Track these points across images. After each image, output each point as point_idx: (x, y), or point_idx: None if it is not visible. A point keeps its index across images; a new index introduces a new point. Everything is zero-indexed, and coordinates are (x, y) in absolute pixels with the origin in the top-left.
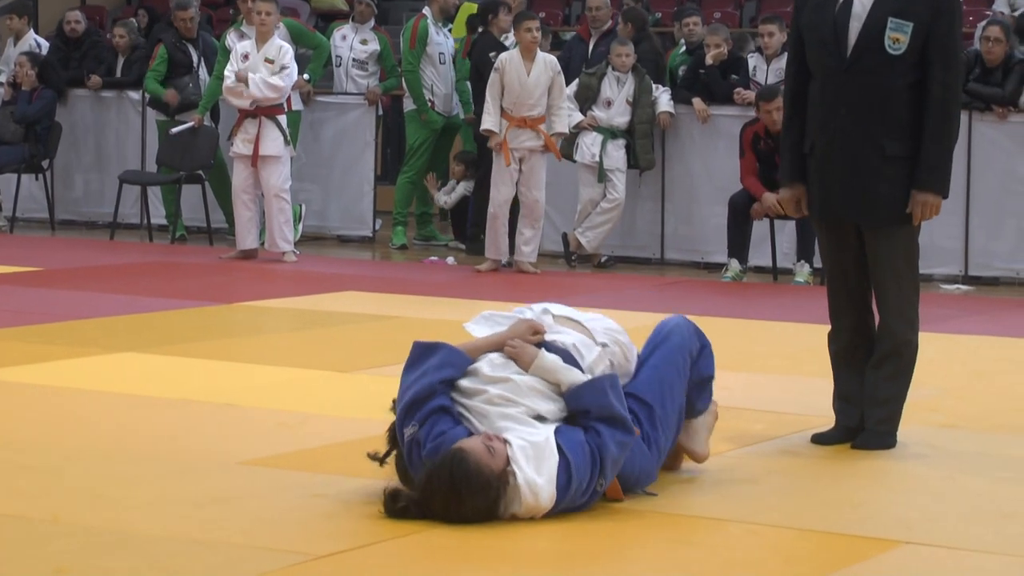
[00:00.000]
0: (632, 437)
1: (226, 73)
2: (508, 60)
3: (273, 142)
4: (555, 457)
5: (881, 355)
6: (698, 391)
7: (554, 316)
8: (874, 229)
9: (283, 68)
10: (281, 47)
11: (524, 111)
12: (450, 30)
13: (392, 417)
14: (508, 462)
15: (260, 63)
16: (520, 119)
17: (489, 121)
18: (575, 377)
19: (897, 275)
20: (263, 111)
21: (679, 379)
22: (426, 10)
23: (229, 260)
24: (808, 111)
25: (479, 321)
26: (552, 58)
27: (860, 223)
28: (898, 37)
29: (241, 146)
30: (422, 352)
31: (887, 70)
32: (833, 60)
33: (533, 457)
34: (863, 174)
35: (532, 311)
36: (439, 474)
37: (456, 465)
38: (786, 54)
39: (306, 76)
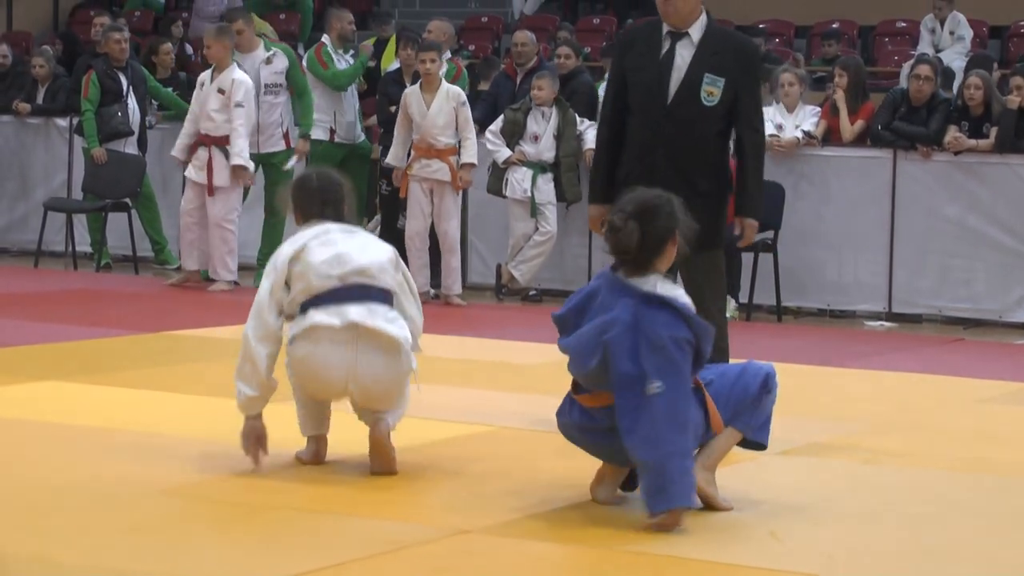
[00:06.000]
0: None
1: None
2: (409, 93)
3: (221, 172)
4: None
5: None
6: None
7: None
8: (694, 253)
9: (237, 105)
10: (234, 81)
11: (428, 142)
12: (352, 55)
13: None
14: None
15: (212, 93)
16: (425, 149)
17: (392, 156)
18: None
19: (715, 292)
20: (212, 140)
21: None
22: (325, 38)
23: (175, 285)
24: (627, 142)
25: None
26: (456, 89)
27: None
28: (712, 91)
29: (193, 172)
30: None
31: (701, 119)
32: (654, 105)
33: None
34: None
35: None
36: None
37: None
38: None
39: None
